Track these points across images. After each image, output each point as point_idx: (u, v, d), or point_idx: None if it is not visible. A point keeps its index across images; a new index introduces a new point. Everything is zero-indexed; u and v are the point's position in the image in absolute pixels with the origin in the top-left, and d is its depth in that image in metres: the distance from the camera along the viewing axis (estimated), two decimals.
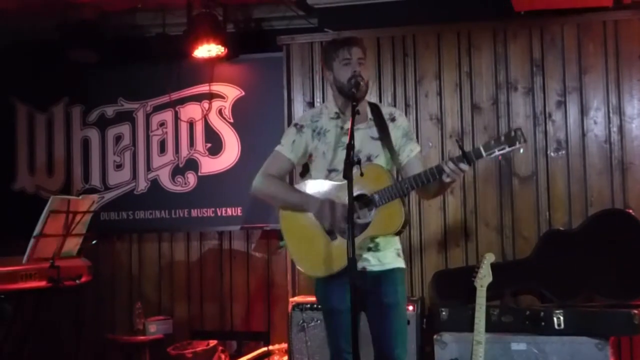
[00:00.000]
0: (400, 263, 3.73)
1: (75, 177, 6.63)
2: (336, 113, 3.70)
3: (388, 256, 3.67)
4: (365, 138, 3.64)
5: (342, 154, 3.52)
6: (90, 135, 6.63)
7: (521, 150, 3.40)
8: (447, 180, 3.38)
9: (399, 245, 3.76)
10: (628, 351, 5.15)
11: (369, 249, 3.62)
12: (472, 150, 3.38)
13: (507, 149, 3.33)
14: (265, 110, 6.23)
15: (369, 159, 3.63)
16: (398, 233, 3.61)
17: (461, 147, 3.37)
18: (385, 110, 3.76)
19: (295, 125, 3.79)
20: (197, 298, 6.43)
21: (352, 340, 3.23)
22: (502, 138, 3.34)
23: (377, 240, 3.62)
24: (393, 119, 3.71)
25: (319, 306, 3.94)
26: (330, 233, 3.57)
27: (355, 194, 3.40)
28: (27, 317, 5.50)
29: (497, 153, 3.34)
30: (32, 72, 6.65)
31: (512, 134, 3.33)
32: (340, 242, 3.52)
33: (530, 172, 5.47)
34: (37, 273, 5.05)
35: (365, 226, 3.50)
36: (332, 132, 3.68)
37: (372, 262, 3.63)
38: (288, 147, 3.74)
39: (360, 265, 3.54)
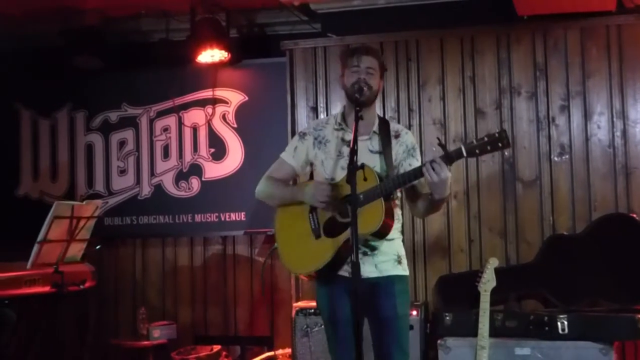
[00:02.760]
0: (400, 270, 3.67)
1: (79, 183, 6.63)
2: (339, 124, 3.73)
3: (385, 262, 3.63)
4: (364, 150, 3.63)
5: (340, 164, 3.64)
6: (94, 140, 6.64)
7: (506, 153, 3.35)
8: (426, 172, 3.30)
9: (400, 251, 3.70)
10: (632, 356, 5.14)
11: (365, 254, 3.58)
12: (453, 150, 3.33)
13: (489, 151, 3.28)
14: (268, 115, 6.24)
15: None
16: (380, 234, 3.49)
17: (442, 146, 3.35)
18: (393, 126, 3.76)
19: (300, 133, 3.89)
20: (200, 303, 6.43)
21: (356, 346, 3.22)
22: (486, 139, 3.27)
23: (374, 244, 3.58)
24: (397, 136, 3.71)
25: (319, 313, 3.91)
26: (315, 231, 3.59)
27: (344, 195, 3.48)
28: (31, 323, 5.50)
29: (478, 154, 3.29)
30: (35, 77, 6.66)
31: (496, 135, 3.26)
32: (322, 241, 3.56)
33: (534, 176, 5.47)
34: (41, 278, 5.06)
35: (347, 226, 3.45)
36: (333, 143, 3.71)
37: (368, 268, 3.57)
38: (290, 154, 3.82)
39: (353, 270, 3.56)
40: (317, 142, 3.76)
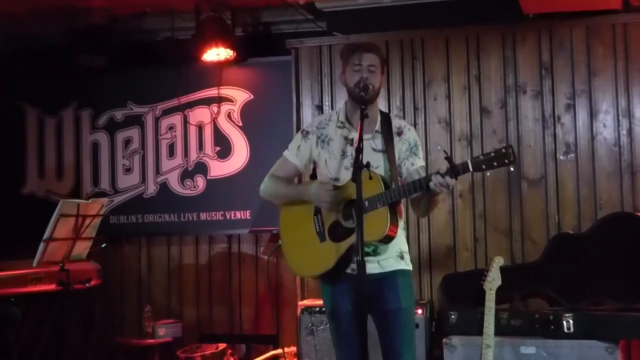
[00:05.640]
0: (403, 265, 3.67)
1: (85, 181, 6.65)
2: (342, 122, 3.72)
3: (388, 259, 3.63)
4: (367, 149, 3.59)
5: (344, 164, 3.63)
6: (100, 139, 6.65)
7: (511, 168, 3.35)
8: (434, 188, 3.32)
9: (402, 247, 3.69)
10: (638, 355, 5.12)
11: (367, 254, 3.55)
12: (460, 164, 3.32)
13: (495, 167, 3.29)
14: (273, 114, 6.24)
15: None
16: (386, 241, 3.52)
17: (449, 160, 3.34)
18: (395, 122, 3.73)
19: (302, 131, 3.86)
20: (206, 301, 6.44)
21: (360, 342, 3.22)
22: (492, 154, 3.28)
23: (375, 244, 3.57)
24: (400, 133, 3.69)
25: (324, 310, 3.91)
26: (320, 235, 3.60)
27: (348, 197, 3.48)
28: (37, 320, 5.52)
29: (484, 169, 3.30)
30: (41, 76, 6.67)
31: (503, 151, 3.27)
32: (326, 245, 3.57)
33: (540, 175, 5.46)
34: (47, 276, 5.06)
35: (351, 231, 3.47)
36: (336, 142, 3.69)
37: (371, 265, 3.56)
38: (293, 152, 3.81)
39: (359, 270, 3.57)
40: (320, 141, 3.74)
